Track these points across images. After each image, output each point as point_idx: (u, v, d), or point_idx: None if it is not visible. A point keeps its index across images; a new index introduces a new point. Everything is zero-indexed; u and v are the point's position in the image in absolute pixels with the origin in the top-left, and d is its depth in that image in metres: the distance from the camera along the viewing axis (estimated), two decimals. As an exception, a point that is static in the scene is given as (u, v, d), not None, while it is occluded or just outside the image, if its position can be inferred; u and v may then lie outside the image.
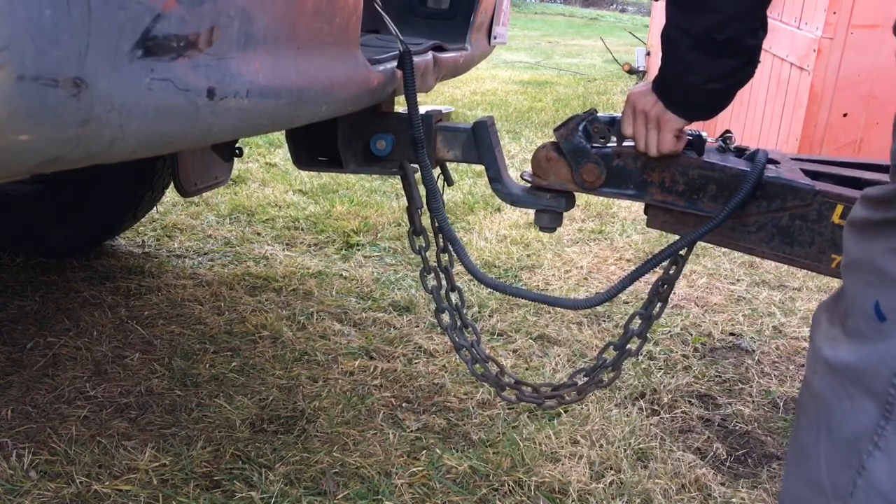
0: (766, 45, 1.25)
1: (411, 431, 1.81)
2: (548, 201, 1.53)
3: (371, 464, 1.67)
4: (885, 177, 1.37)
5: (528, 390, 1.66)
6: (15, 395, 1.87)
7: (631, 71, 7.73)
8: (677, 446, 1.81)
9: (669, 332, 2.37)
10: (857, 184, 1.43)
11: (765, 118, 4.15)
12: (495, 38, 2.43)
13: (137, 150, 0.82)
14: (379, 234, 3.08)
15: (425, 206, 1.55)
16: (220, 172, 2.36)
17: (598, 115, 1.45)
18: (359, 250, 2.92)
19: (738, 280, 2.81)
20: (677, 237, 1.45)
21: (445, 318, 1.64)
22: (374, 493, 1.59)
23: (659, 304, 1.54)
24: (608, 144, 1.45)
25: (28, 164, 0.72)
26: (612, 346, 1.60)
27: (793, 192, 1.38)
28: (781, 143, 3.87)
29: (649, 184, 1.44)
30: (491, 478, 1.66)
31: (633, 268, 1.61)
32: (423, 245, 1.62)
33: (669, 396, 2.00)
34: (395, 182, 3.63)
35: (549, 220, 1.55)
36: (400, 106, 1.58)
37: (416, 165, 1.57)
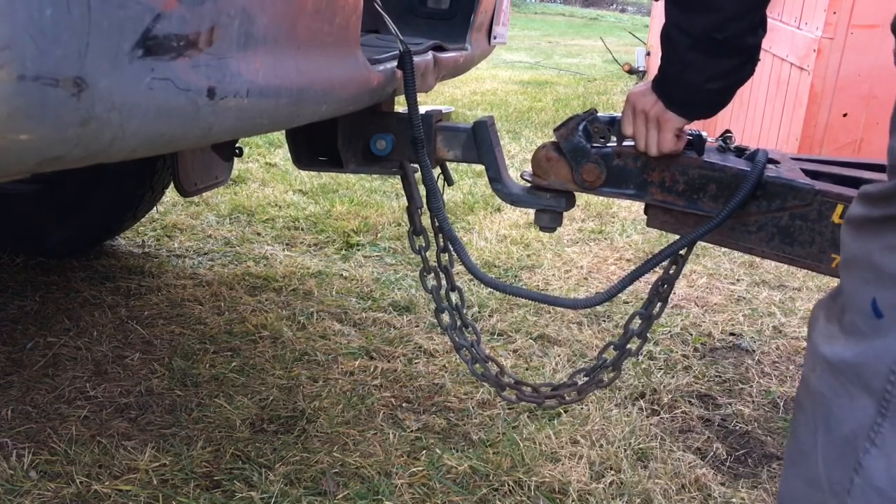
0: (766, 44, 1.25)
1: (411, 431, 1.81)
2: (548, 201, 1.53)
3: (371, 464, 1.67)
4: (885, 176, 1.37)
5: (528, 390, 1.66)
6: (15, 395, 1.87)
7: (631, 71, 7.73)
8: (677, 446, 1.81)
9: (669, 332, 2.37)
10: (857, 183, 1.43)
11: (765, 118, 4.15)
12: (495, 38, 2.43)
13: (138, 150, 0.82)
14: (379, 234, 3.08)
15: (425, 206, 1.56)
16: (220, 172, 2.36)
17: (598, 114, 1.45)
18: (359, 250, 2.92)
19: (738, 280, 2.81)
20: (677, 237, 1.45)
21: (445, 317, 1.64)
22: (374, 493, 1.59)
23: (659, 304, 1.54)
24: (608, 144, 1.45)
25: (28, 163, 0.72)
26: (612, 346, 1.60)
27: (793, 192, 1.38)
28: (781, 143, 3.87)
29: (649, 183, 1.44)
30: (491, 478, 1.66)
31: (633, 268, 1.61)
32: (423, 245, 1.62)
33: (669, 396, 2.00)
34: (395, 182, 3.63)
35: (549, 219, 1.55)
36: (400, 106, 1.58)
37: (416, 165, 1.57)
